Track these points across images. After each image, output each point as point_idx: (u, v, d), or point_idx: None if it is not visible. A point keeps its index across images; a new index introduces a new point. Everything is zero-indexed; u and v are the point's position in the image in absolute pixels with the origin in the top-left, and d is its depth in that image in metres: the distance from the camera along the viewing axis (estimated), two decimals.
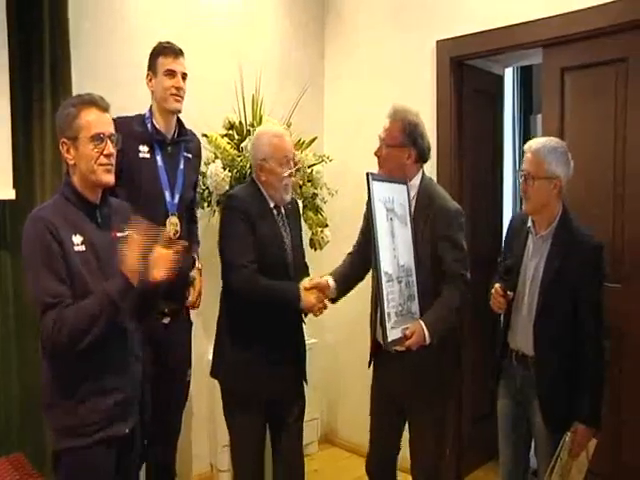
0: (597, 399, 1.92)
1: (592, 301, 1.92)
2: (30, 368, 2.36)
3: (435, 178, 3.02)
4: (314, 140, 3.14)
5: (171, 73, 2.23)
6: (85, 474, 1.65)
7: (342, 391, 3.46)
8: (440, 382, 2.10)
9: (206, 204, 2.84)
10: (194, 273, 2.44)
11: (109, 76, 2.63)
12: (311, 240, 3.00)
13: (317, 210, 3.04)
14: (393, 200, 1.98)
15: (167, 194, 2.24)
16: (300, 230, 2.36)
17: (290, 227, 2.22)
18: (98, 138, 1.65)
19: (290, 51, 3.45)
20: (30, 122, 2.41)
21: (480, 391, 2.91)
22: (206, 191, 2.82)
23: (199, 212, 2.83)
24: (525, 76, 3.98)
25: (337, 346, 3.37)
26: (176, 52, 2.27)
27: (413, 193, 2.11)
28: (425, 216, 2.06)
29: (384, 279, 1.85)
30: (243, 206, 2.10)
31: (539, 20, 2.67)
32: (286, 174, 2.15)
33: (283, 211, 2.22)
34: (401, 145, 2.07)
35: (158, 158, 2.25)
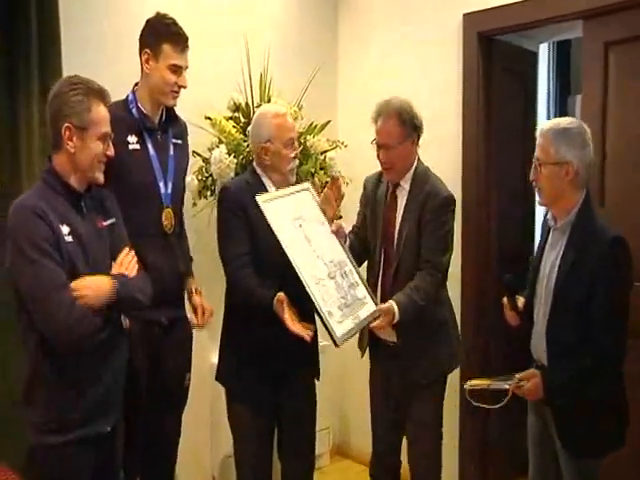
0: (570, 380, 1.82)
1: (608, 301, 1.77)
2: (11, 363, 2.22)
3: (460, 166, 2.98)
4: (327, 124, 3.04)
5: (177, 69, 2.10)
6: (59, 472, 1.66)
7: (356, 398, 3.34)
8: (440, 367, 2.23)
9: (209, 193, 2.75)
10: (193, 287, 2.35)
11: (99, 54, 2.52)
12: None
13: None
14: (299, 208, 2.09)
15: (161, 185, 2.15)
16: None
17: None
18: (105, 137, 1.73)
19: (301, 27, 3.34)
20: (16, 104, 2.32)
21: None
22: (209, 179, 2.73)
23: (201, 202, 2.74)
24: (563, 52, 3.82)
25: (351, 349, 3.22)
26: (185, 43, 2.12)
27: (408, 182, 2.20)
28: (416, 202, 2.15)
29: (312, 283, 1.94)
30: (233, 198, 2.13)
31: None
32: (292, 155, 2.18)
33: None
34: (407, 137, 2.16)
35: (149, 147, 2.14)
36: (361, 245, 2.36)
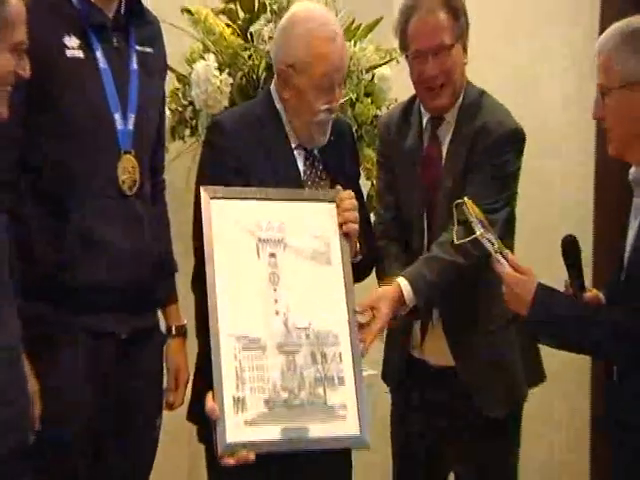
0: (564, 319, 1.62)
1: None
2: None
3: (593, 142, 2.57)
4: (376, 24, 2.46)
5: None
6: None
7: None
8: (515, 393, 1.91)
9: (188, 131, 2.30)
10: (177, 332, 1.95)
11: None
12: (367, 195, 2.34)
13: None
14: (284, 227, 1.72)
15: (117, 117, 1.78)
16: (355, 176, 1.95)
17: (330, 176, 1.88)
18: (19, 48, 1.48)
19: None
20: None
21: None
22: (189, 108, 2.30)
23: (175, 145, 2.31)
24: None
25: None
26: None
27: (453, 116, 1.89)
28: (463, 143, 1.86)
29: (225, 344, 1.58)
30: (231, 145, 1.77)
31: None
32: (323, 107, 1.76)
33: (317, 151, 1.88)
34: (459, 37, 1.83)
35: (98, 55, 1.77)
36: (398, 232, 1.97)
